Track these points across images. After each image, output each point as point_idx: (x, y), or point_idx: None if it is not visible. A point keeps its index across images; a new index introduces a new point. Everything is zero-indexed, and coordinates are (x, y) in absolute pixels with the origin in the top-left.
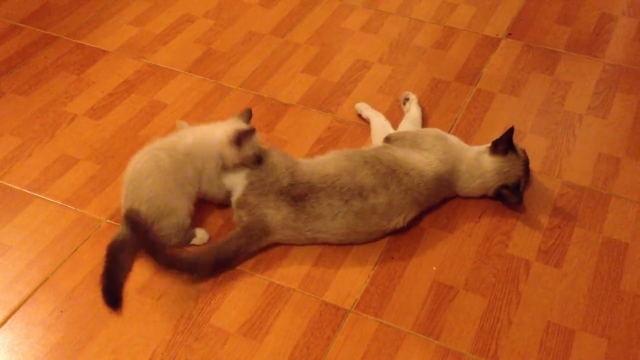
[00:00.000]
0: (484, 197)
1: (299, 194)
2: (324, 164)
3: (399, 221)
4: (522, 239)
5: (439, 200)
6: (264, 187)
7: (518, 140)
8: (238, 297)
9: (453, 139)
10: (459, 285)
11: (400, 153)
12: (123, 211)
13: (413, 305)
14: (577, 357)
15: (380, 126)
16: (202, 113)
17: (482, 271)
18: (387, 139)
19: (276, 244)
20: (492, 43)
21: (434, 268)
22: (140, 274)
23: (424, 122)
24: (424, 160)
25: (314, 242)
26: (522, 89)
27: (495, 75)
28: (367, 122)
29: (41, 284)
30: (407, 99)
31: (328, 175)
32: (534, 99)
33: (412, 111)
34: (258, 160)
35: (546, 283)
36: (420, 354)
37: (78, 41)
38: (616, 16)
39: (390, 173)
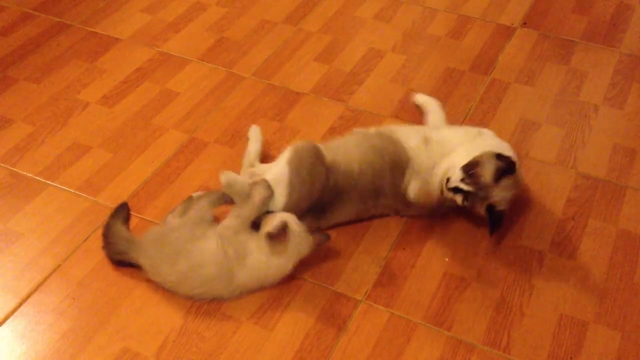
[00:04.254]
0: None
1: (323, 204)
2: (346, 152)
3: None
4: (536, 230)
5: None
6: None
7: (533, 131)
8: None
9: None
10: (471, 276)
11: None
12: None
13: (424, 296)
14: (590, 350)
15: (438, 112)
16: (213, 102)
17: (494, 262)
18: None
19: None
20: (507, 32)
21: (446, 259)
22: None
23: None
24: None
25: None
26: (538, 78)
27: (510, 65)
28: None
29: (53, 272)
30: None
31: (352, 172)
32: (549, 89)
33: (433, 105)
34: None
35: (559, 275)
36: (432, 345)
37: (91, 29)
38: (633, 5)
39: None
